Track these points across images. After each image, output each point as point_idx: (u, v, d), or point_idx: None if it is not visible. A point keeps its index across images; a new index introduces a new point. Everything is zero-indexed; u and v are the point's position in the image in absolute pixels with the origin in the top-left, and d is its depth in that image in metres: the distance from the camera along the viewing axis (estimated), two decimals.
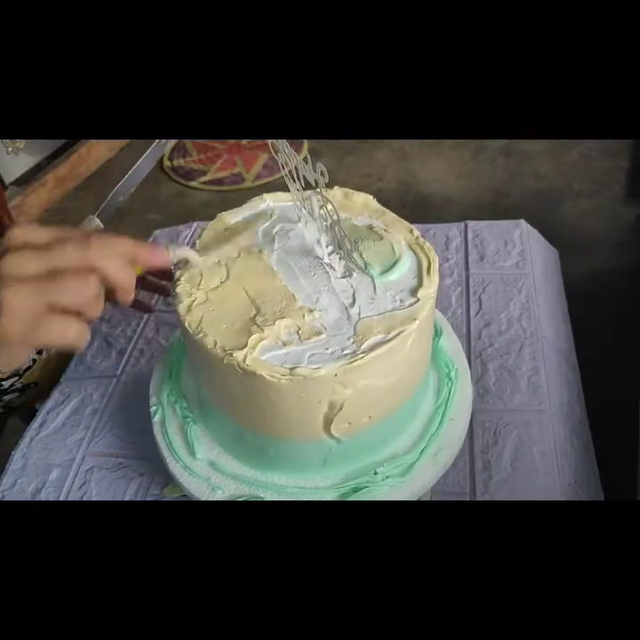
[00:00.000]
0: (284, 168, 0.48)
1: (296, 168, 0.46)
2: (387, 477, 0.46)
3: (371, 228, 0.49)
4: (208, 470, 0.48)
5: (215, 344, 0.41)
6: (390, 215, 0.51)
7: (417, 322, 0.42)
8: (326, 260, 0.47)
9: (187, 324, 0.43)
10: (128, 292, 0.39)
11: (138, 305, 0.67)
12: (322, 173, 0.41)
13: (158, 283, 0.62)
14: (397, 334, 0.41)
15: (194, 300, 0.44)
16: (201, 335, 0.42)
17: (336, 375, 0.40)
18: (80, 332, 0.37)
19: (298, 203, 0.50)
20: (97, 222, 0.56)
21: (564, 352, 0.69)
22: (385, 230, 0.48)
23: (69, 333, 0.37)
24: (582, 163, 1.86)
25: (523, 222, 0.81)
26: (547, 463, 0.55)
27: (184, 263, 0.46)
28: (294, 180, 0.48)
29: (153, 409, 0.52)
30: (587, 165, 1.85)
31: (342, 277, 0.46)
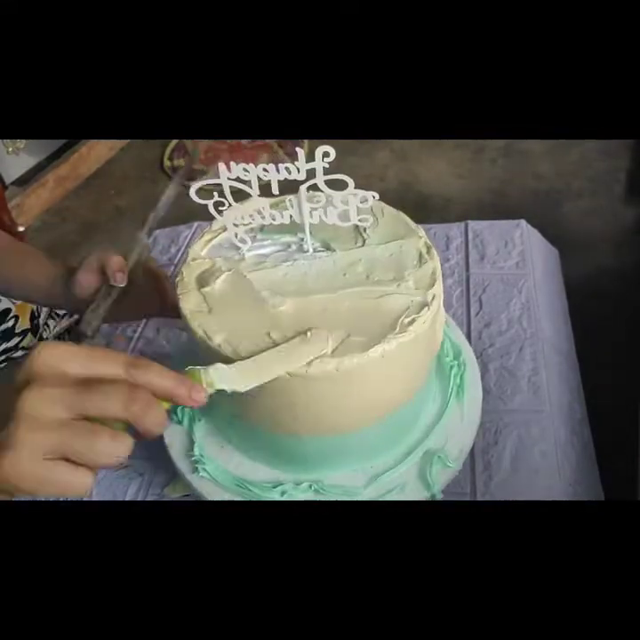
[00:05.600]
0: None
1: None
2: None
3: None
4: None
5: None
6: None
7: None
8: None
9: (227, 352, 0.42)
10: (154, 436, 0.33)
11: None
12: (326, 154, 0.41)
13: None
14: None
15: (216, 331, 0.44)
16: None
17: (382, 357, 0.42)
18: (88, 485, 0.31)
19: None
20: (145, 241, 0.52)
21: (565, 352, 0.69)
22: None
23: (75, 487, 0.31)
24: (582, 163, 1.86)
25: (523, 222, 0.81)
26: (547, 463, 0.55)
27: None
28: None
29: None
30: (587, 165, 1.85)
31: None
